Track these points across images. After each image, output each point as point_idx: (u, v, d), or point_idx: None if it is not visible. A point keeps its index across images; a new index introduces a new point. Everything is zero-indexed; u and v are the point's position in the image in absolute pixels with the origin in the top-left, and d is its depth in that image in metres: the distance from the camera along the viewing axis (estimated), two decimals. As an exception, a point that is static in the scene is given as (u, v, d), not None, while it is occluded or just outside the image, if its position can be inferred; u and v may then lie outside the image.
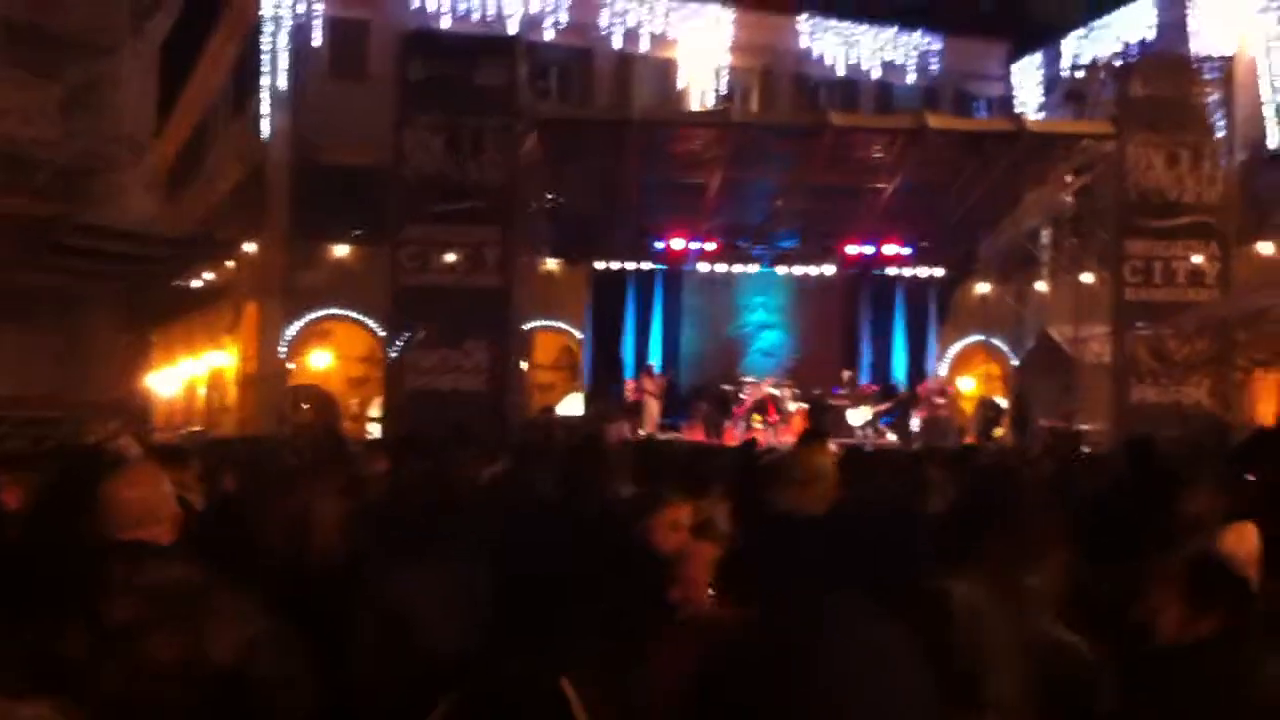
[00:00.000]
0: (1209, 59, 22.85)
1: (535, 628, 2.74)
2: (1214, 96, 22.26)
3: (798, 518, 4.84)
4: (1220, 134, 22.30)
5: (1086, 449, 17.42)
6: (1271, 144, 24.98)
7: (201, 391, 33.26)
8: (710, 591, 3.57)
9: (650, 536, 4.25)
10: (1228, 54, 23.36)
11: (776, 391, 24.18)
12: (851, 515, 4.55)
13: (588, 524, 4.93)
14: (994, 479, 7.83)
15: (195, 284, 25.37)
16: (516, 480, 6.44)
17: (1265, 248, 24.17)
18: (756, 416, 23.63)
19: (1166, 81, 22.14)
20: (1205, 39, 24.68)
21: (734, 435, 22.68)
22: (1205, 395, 21.61)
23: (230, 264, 26.96)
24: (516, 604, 2.85)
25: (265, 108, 27.63)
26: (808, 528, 4.07)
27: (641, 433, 22.67)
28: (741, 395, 24.14)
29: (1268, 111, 24.89)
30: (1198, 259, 21.85)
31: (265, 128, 27.68)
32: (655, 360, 25.82)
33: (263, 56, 27.55)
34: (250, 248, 27.45)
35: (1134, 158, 21.80)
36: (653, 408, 23.74)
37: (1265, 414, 22.47)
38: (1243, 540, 4.45)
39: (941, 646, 2.40)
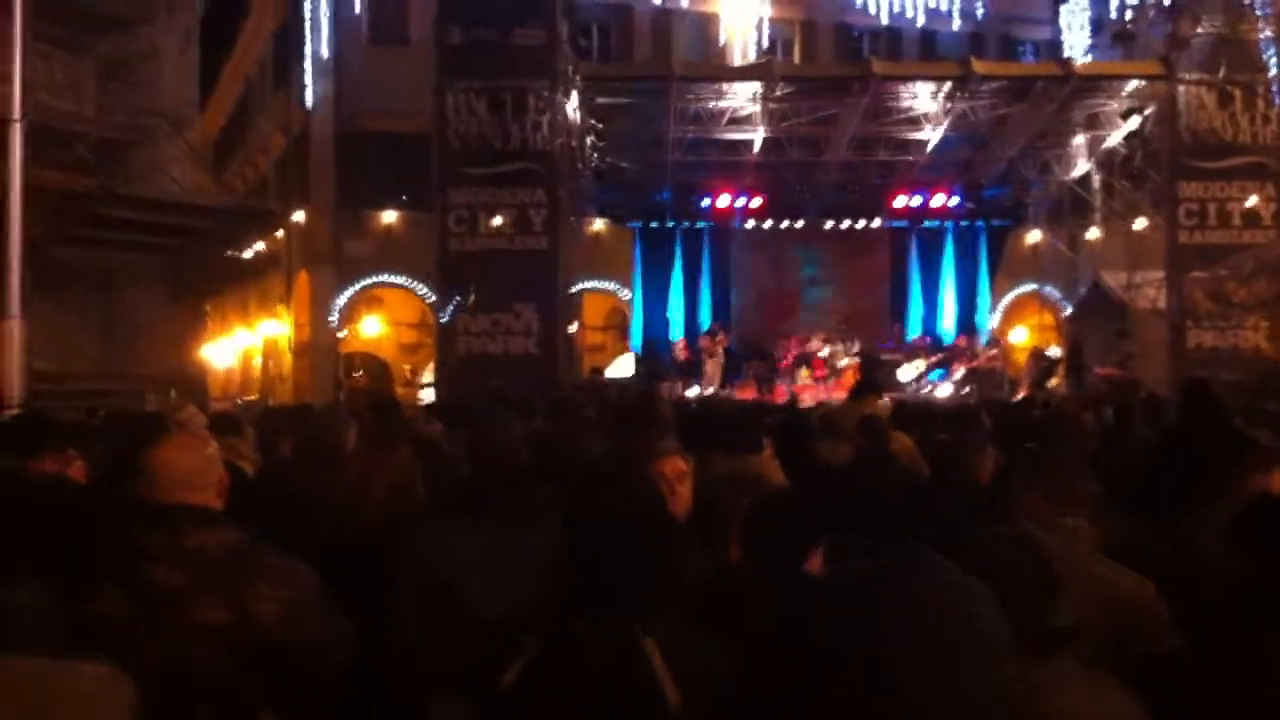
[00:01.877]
0: (1260, -5, 22.35)
1: (604, 591, 2.75)
2: (1265, 34, 21.79)
3: (840, 469, 4.83)
4: (1273, 72, 21.85)
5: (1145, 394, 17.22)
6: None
7: (257, 361, 33.61)
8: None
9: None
10: (1280, -11, 22.86)
11: (826, 348, 24.07)
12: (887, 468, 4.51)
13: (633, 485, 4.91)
14: (1035, 427, 7.77)
15: (247, 254, 25.51)
16: (558, 441, 6.44)
17: (1321, 187, 23.71)
18: (805, 371, 23.54)
19: (1217, 19, 21.66)
20: (1255, -26, 24.14)
21: (784, 392, 22.64)
22: (1264, 339, 21.29)
23: (280, 234, 27.14)
24: (582, 566, 2.86)
25: (308, 77, 27.73)
26: (849, 478, 4.05)
27: (692, 393, 22.67)
28: (789, 351, 24.07)
29: (1322, 47, 24.35)
30: (1253, 200, 21.45)
31: (308, 97, 27.79)
32: (706, 319, 25.79)
33: (304, 26, 27.63)
34: (299, 217, 27.64)
35: (1185, 98, 21.41)
36: (713, 369, 23.70)
37: (1326, 356, 22.13)
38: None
39: (1023, 585, 2.40)
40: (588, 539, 2.93)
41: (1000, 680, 1.84)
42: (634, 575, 2.70)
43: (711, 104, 22.14)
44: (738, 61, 28.97)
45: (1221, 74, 21.35)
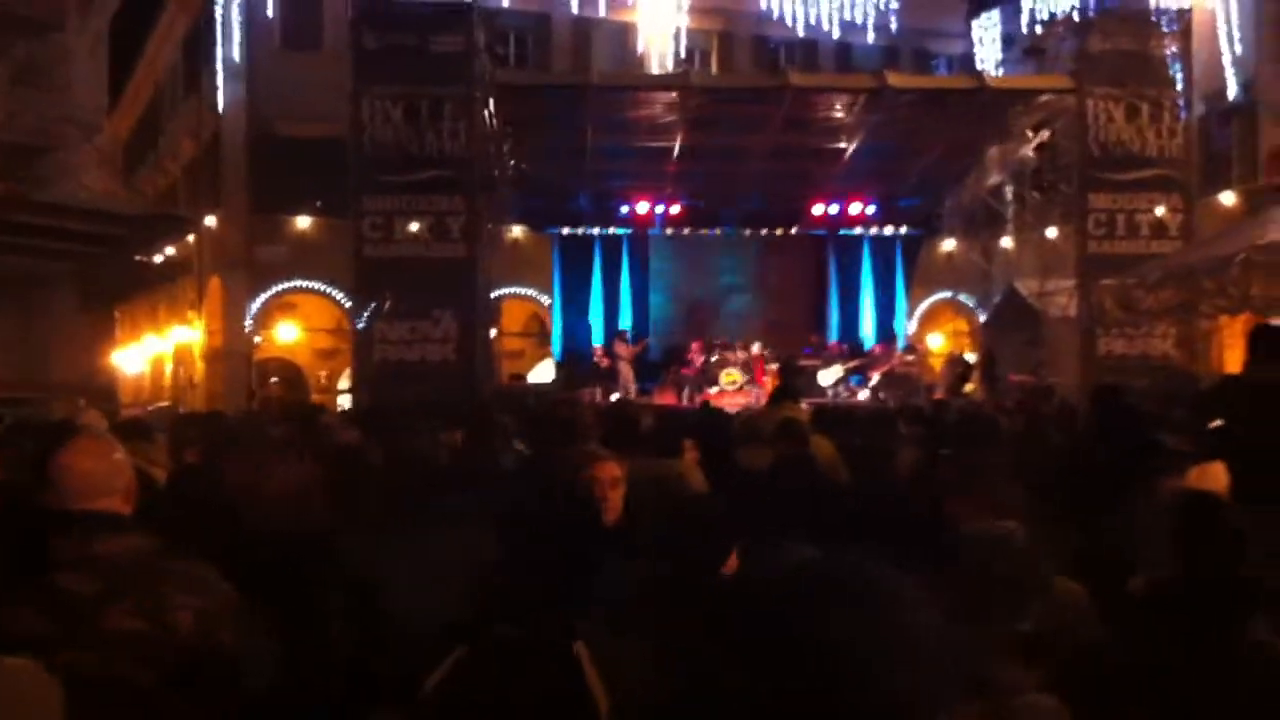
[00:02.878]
0: (1167, 12, 22.86)
1: (538, 594, 2.72)
2: (1172, 49, 22.29)
3: (764, 474, 4.84)
4: (1179, 87, 22.35)
5: (1058, 400, 17.51)
6: (1230, 96, 25.12)
7: (168, 368, 33.05)
8: None
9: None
10: (1185, 6, 23.40)
11: (744, 353, 24.16)
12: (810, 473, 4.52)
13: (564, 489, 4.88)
14: (955, 432, 7.86)
15: (158, 260, 25.05)
16: (483, 448, 6.39)
17: (1226, 199, 24.32)
18: (734, 375, 23.49)
19: (1125, 35, 22.12)
20: (1163, -8, 24.72)
21: (706, 397, 22.64)
22: (1172, 346, 21.74)
23: (192, 239, 26.68)
24: (516, 571, 2.84)
25: (219, 81, 27.31)
26: (773, 483, 4.06)
27: (614, 398, 22.63)
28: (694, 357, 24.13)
29: (1226, 64, 25.00)
30: (1160, 211, 21.91)
31: (220, 102, 27.38)
32: (626, 326, 25.79)
33: (215, 30, 27.22)
34: (211, 222, 27.21)
35: (1094, 112, 21.82)
36: (627, 374, 23.70)
37: (1231, 362, 22.66)
38: (1208, 479, 4.46)
39: (1003, 585, 2.39)
40: (517, 543, 2.90)
41: (940, 674, 1.82)
42: (563, 579, 2.68)
43: (630, 112, 22.10)
44: (656, 70, 29.03)
45: (1129, 88, 21.80)
